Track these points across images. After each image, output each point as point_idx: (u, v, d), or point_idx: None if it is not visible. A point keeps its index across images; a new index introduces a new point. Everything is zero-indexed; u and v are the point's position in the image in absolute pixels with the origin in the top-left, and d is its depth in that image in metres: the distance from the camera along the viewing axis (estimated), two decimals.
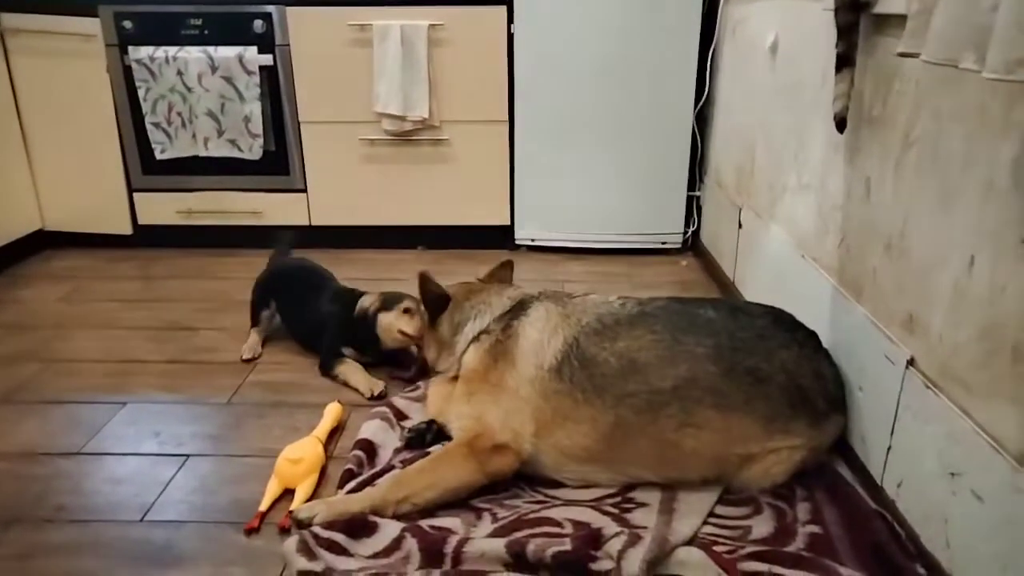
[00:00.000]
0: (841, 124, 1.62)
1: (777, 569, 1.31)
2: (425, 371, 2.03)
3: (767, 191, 2.30)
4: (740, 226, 2.56)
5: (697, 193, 3.12)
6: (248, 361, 2.24)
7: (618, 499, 1.56)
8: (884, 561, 1.33)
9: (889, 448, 1.48)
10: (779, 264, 2.16)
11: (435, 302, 1.89)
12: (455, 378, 1.77)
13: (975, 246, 1.22)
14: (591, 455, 1.57)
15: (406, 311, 2.04)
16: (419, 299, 1.98)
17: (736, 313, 1.65)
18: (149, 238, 3.21)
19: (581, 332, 1.62)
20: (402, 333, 2.03)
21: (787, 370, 1.55)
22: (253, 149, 3.02)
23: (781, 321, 1.66)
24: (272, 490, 1.59)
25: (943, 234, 1.32)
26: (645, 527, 1.44)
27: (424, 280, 1.86)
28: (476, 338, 1.75)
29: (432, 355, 1.93)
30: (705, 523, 1.47)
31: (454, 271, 2.99)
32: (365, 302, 2.09)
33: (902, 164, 1.46)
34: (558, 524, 1.48)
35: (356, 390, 2.04)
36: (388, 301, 2.07)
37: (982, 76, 1.00)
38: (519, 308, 1.75)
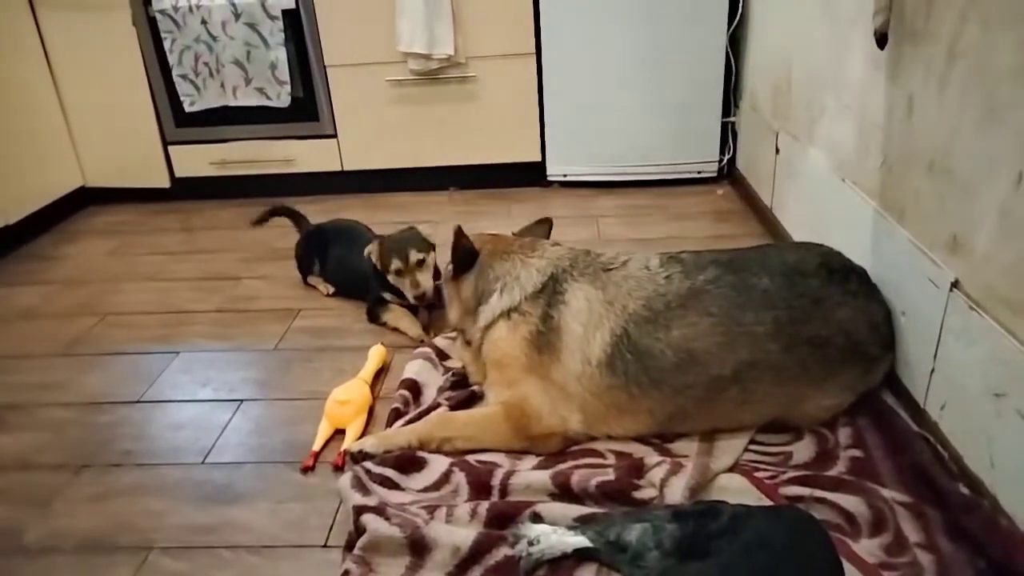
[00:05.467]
0: (882, 40, 1.55)
1: (818, 493, 1.33)
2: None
3: (805, 113, 2.23)
4: (777, 151, 2.49)
5: (732, 119, 3.04)
6: (332, 295, 2.34)
7: None
8: (926, 482, 1.34)
9: (932, 371, 1.47)
10: (818, 188, 2.12)
11: (463, 259, 1.74)
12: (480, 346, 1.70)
13: None
14: (642, 434, 1.56)
15: (397, 274, 2.03)
16: (410, 243, 2.01)
17: (790, 276, 1.54)
18: (187, 190, 3.26)
19: (629, 321, 1.51)
20: (415, 299, 2.04)
21: (845, 330, 1.51)
22: (281, 96, 3.01)
23: (833, 272, 1.57)
24: (323, 431, 1.66)
25: (989, 151, 1.28)
26: (687, 456, 1.47)
27: (457, 236, 1.72)
28: (507, 315, 1.62)
29: (454, 315, 1.82)
30: (746, 450, 1.50)
31: (487, 211, 3.01)
32: (369, 253, 2.07)
33: (946, 79, 1.40)
34: (601, 455, 1.52)
35: (405, 334, 2.08)
36: (384, 261, 2.05)
37: None
38: (553, 288, 1.60)
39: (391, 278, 2.06)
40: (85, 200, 3.28)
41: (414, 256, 2.02)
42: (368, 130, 3.12)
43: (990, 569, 1.16)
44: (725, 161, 3.09)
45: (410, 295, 2.03)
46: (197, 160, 3.20)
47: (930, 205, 1.48)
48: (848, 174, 1.90)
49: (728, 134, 3.06)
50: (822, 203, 2.09)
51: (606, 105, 3.00)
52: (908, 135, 1.56)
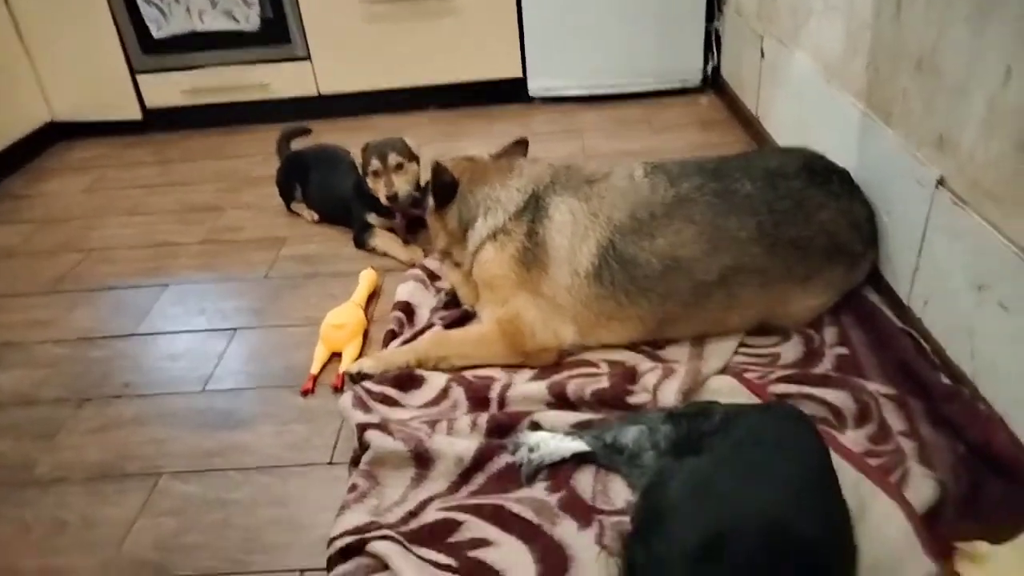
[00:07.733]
0: None
1: (806, 389, 1.38)
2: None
3: (791, 16, 2.18)
4: (762, 56, 2.46)
5: (716, 25, 2.97)
6: (317, 222, 2.33)
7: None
8: (910, 375, 1.39)
9: (916, 269, 1.50)
10: (804, 93, 2.10)
11: (444, 191, 1.71)
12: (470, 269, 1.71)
13: (1013, 56, 1.17)
14: (633, 340, 1.59)
15: (375, 174, 2.01)
16: (391, 147, 2.01)
17: (772, 179, 1.55)
18: (160, 122, 3.17)
19: (615, 232, 1.53)
20: (386, 198, 2.01)
21: (827, 230, 1.53)
22: (250, 19, 2.90)
23: (815, 173, 1.58)
24: (320, 355, 1.68)
25: (978, 47, 1.26)
26: (678, 361, 1.51)
27: (435, 171, 1.70)
28: (493, 237, 1.63)
29: (441, 244, 1.80)
30: (735, 353, 1.54)
31: (468, 130, 2.96)
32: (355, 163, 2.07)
33: None
34: (595, 365, 1.55)
35: (397, 259, 2.07)
36: (364, 161, 2.03)
37: None
38: (536, 205, 1.61)
39: (369, 181, 2.03)
40: (55, 136, 3.19)
41: (393, 159, 2.00)
42: (343, 51, 3.02)
43: (969, 452, 1.22)
44: (710, 69, 3.04)
45: (382, 196, 2.00)
46: (168, 89, 3.10)
47: (917, 104, 1.48)
48: (834, 76, 1.88)
49: (712, 41, 3.00)
50: (808, 107, 2.08)
51: (586, 15, 2.92)
52: (896, 34, 1.54)
